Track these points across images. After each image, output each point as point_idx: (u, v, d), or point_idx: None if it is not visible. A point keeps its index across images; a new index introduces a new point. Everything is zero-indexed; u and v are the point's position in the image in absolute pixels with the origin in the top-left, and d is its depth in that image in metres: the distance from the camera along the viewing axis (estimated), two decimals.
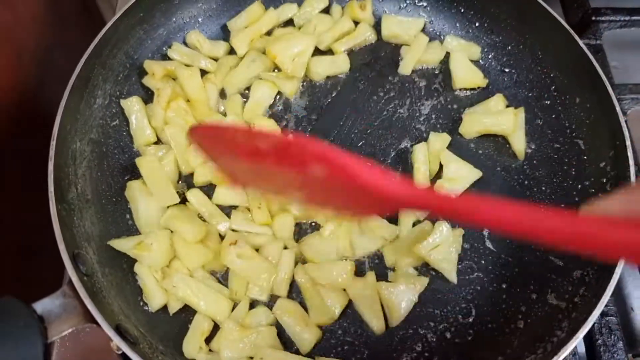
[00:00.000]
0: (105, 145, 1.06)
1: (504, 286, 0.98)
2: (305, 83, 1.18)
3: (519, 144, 1.09)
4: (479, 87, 1.17)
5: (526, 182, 1.08)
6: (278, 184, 0.69)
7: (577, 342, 0.80)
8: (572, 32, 1.05)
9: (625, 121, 0.97)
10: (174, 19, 1.18)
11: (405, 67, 1.18)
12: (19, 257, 1.23)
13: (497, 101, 1.12)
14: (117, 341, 0.80)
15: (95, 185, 1.01)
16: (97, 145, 1.04)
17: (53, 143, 0.91)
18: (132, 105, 1.06)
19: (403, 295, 0.94)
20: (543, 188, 1.06)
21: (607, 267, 0.86)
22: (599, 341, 0.98)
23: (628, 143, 0.93)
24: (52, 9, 1.34)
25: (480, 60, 1.20)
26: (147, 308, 0.94)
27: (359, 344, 0.94)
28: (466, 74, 1.16)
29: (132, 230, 1.02)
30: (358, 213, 0.71)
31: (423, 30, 1.23)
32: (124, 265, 0.96)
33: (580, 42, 1.04)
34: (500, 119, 1.09)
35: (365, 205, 0.62)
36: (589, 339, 0.98)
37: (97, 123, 1.05)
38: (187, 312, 0.95)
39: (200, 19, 1.20)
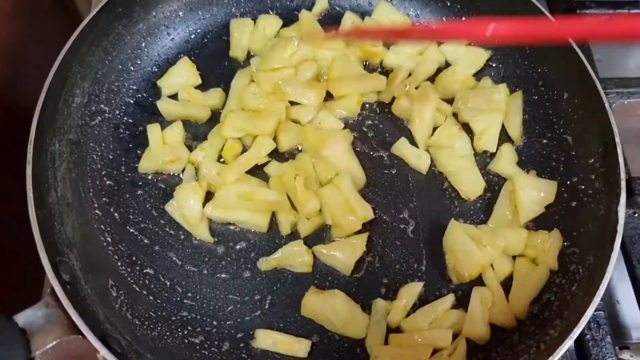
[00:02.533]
0: (85, 145, 1.02)
1: None
2: None
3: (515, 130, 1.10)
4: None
5: None
6: None
7: (571, 342, 0.80)
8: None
9: None
10: (154, 13, 1.14)
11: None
12: None
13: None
14: (103, 352, 0.77)
15: (76, 188, 0.98)
16: (76, 146, 1.00)
17: (30, 147, 0.88)
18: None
19: None
20: None
21: (598, 264, 0.87)
22: (588, 336, 0.99)
23: (617, 140, 0.93)
24: (25, 3, 1.29)
25: None
26: (130, 317, 0.91)
27: None
28: None
29: (114, 232, 0.99)
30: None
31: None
32: (107, 272, 0.94)
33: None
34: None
35: None
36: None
37: (76, 123, 1.01)
38: (175, 318, 0.92)
39: (181, 13, 1.17)
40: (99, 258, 0.95)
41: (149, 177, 1.05)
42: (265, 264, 0.98)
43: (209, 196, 1.00)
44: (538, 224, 1.01)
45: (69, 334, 0.78)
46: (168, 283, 0.96)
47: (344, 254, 0.97)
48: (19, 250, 1.25)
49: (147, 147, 1.05)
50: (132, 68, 1.12)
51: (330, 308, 0.92)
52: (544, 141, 1.07)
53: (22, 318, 0.77)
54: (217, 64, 1.17)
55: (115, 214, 1.00)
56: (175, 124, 1.07)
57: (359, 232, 0.99)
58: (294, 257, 0.97)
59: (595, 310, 0.98)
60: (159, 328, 0.91)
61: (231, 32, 1.17)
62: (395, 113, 1.12)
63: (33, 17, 1.35)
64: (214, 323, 0.93)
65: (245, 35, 1.16)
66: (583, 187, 0.99)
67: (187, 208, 0.98)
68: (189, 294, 0.95)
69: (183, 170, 1.05)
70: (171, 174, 1.05)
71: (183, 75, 1.11)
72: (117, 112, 1.09)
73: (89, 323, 0.77)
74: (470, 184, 1.05)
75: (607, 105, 0.96)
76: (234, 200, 0.97)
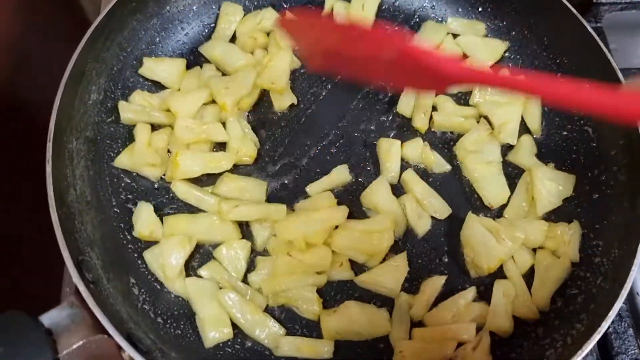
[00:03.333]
0: (102, 143, 1.01)
1: None
2: None
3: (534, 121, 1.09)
4: None
5: None
6: (353, 66, 0.83)
7: (599, 336, 0.79)
8: (579, 16, 1.03)
9: None
10: (168, 8, 1.13)
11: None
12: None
13: None
14: (129, 352, 0.77)
15: (94, 186, 0.97)
16: (93, 143, 0.99)
17: (49, 144, 0.87)
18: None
19: None
20: None
21: (625, 256, 0.86)
22: (610, 329, 0.99)
23: None
24: None
25: None
26: (153, 315, 0.91)
27: None
28: None
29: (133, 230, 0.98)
30: (420, 88, 0.87)
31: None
32: (128, 270, 0.93)
33: (588, 27, 1.02)
34: None
35: (426, 82, 0.76)
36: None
37: (93, 120, 1.00)
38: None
39: (194, 8, 1.16)
40: (119, 256, 0.94)
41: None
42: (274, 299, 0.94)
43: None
44: (559, 216, 1.00)
45: (94, 333, 0.77)
46: None
47: (389, 280, 0.94)
48: (31, 252, 1.25)
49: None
50: None
51: (348, 322, 0.91)
52: (564, 133, 1.07)
53: (48, 318, 0.76)
54: None
55: (134, 211, 1.00)
56: (164, 130, 1.04)
57: (393, 249, 0.97)
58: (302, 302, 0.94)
59: None
60: (182, 326, 0.91)
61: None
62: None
63: (36, 12, 1.35)
64: None
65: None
66: (604, 178, 0.98)
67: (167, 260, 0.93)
68: None
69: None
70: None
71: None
72: None
73: (113, 322, 0.77)
74: (495, 193, 1.03)
75: None
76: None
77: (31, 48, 1.30)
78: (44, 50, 1.34)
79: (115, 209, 0.99)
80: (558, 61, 1.10)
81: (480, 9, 1.18)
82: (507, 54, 1.16)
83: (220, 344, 0.90)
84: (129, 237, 0.97)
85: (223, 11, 1.15)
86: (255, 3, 1.20)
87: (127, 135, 1.04)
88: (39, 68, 1.33)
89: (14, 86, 1.24)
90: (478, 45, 1.15)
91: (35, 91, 1.29)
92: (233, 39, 1.15)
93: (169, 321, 0.91)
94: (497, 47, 1.15)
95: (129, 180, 1.02)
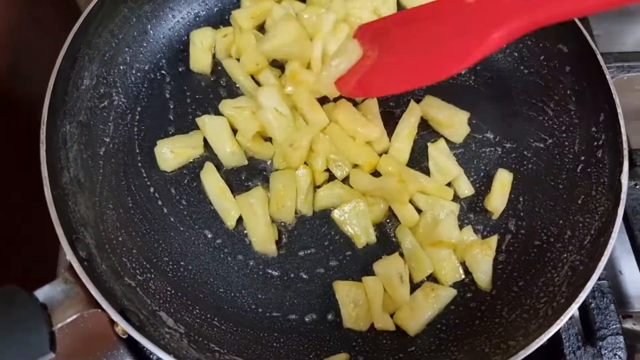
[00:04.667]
0: (95, 127, 1.03)
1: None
2: None
3: None
4: None
5: None
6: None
7: (577, 306, 0.82)
8: None
9: None
10: None
11: None
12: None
13: None
14: (123, 325, 0.79)
15: (87, 169, 0.99)
16: (86, 127, 1.01)
17: (43, 127, 0.89)
18: None
19: None
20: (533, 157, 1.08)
21: (603, 230, 0.89)
22: (592, 304, 1.01)
23: (619, 110, 0.95)
24: None
25: None
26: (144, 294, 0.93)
27: None
28: None
29: (125, 213, 1.00)
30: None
31: None
32: (121, 250, 0.95)
33: None
34: None
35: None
36: (582, 302, 1.01)
37: (85, 105, 1.02)
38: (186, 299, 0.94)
39: None
40: (112, 237, 0.96)
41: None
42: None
43: None
44: (542, 190, 1.04)
45: (88, 308, 0.80)
46: (182, 263, 0.98)
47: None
48: (27, 233, 1.27)
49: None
50: (139, 50, 1.13)
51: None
52: (549, 112, 1.09)
53: (42, 293, 0.78)
54: None
55: (125, 197, 1.02)
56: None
57: None
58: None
59: (599, 280, 1.01)
60: (175, 305, 0.93)
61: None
62: None
63: (31, 4, 1.36)
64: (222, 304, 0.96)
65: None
66: (584, 157, 1.01)
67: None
68: (200, 273, 0.98)
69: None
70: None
71: None
72: (125, 94, 1.09)
73: (107, 297, 0.79)
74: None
75: (608, 77, 0.98)
76: None
77: (27, 40, 1.31)
78: (40, 42, 1.35)
79: (107, 193, 1.01)
80: (541, 45, 1.12)
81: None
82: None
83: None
84: (120, 220, 0.99)
85: None
86: None
87: (120, 121, 1.06)
88: (34, 59, 1.34)
89: (10, 78, 1.25)
90: None
91: (30, 83, 1.30)
92: None
93: (161, 301, 0.93)
94: None
95: (120, 164, 1.04)
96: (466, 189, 1.04)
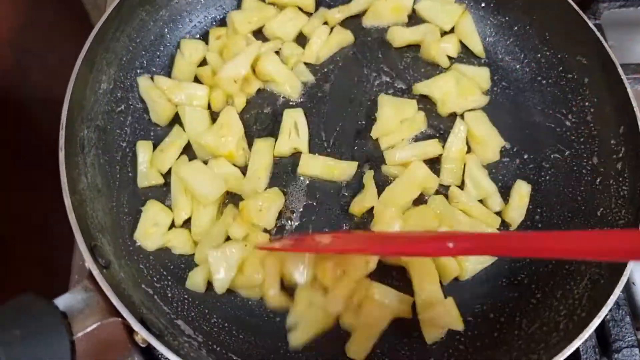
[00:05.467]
0: (112, 132, 1.02)
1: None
2: None
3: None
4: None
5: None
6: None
7: (599, 320, 0.82)
8: (581, 13, 1.05)
9: None
10: (176, 0, 1.14)
11: None
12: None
13: None
14: (143, 334, 0.78)
15: (104, 174, 0.98)
16: (103, 132, 1.00)
17: (62, 132, 0.88)
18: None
19: None
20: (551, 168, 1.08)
21: None
22: (608, 316, 1.01)
23: None
24: None
25: (487, 38, 1.20)
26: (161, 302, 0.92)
27: None
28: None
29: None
30: None
31: None
32: (141, 255, 0.95)
33: (590, 23, 1.04)
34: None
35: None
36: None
37: (103, 109, 1.01)
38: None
39: (202, 0, 1.17)
40: (129, 243, 0.95)
41: None
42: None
43: None
44: (560, 202, 1.03)
45: (109, 317, 0.79)
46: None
47: None
48: (35, 239, 1.26)
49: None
50: (156, 54, 1.12)
51: None
52: (567, 123, 1.09)
53: (62, 302, 0.77)
54: None
55: (142, 201, 1.01)
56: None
57: None
58: None
59: None
60: (192, 313, 0.93)
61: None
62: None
63: (36, 7, 1.35)
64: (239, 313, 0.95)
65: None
66: (603, 169, 1.01)
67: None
68: None
69: None
70: None
71: None
72: (142, 98, 1.08)
73: (127, 306, 0.78)
74: None
75: (629, 89, 0.98)
76: None
77: (29, 44, 1.31)
78: (42, 47, 1.35)
79: (125, 199, 1.00)
80: (559, 56, 1.12)
81: (483, 4, 1.20)
82: (510, 48, 1.18)
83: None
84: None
85: None
86: None
87: (137, 125, 1.06)
88: (38, 61, 1.33)
89: (11, 81, 1.24)
90: (437, 10, 1.19)
91: (32, 87, 1.30)
92: None
93: (179, 308, 0.92)
94: (454, 11, 1.18)
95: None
96: (498, 205, 1.04)
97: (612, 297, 0.83)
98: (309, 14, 1.19)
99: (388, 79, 1.15)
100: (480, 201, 1.03)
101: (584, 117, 1.06)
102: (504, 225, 1.03)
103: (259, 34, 1.17)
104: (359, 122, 1.10)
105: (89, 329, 0.77)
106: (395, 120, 1.07)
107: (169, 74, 1.12)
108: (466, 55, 1.18)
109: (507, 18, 1.18)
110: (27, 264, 1.19)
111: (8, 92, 1.23)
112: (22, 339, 0.72)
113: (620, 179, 0.96)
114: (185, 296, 0.94)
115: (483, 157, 1.07)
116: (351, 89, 1.14)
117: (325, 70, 1.16)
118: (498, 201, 1.03)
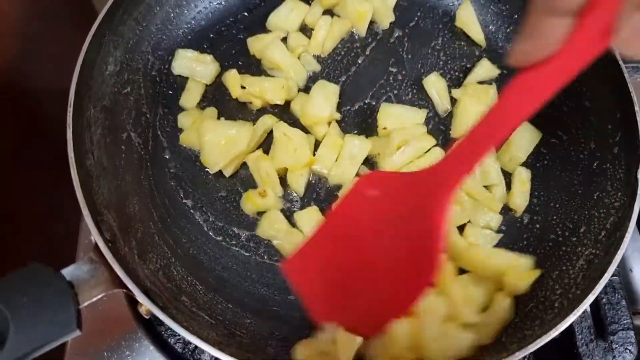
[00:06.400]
0: (118, 113, 1.04)
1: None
2: None
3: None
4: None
5: None
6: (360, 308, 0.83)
7: (593, 297, 0.83)
8: None
9: None
10: None
11: None
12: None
13: None
14: (147, 304, 0.80)
15: (110, 154, 1.00)
16: (109, 112, 1.02)
17: (70, 109, 0.90)
18: None
19: None
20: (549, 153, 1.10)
21: (619, 225, 0.90)
22: (604, 300, 1.03)
23: (637, 108, 0.96)
24: None
25: (488, 27, 1.22)
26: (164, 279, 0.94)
27: None
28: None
29: (152, 196, 1.02)
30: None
31: None
32: (145, 231, 0.97)
33: None
34: None
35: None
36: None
37: (109, 90, 1.03)
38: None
39: None
40: (133, 222, 0.97)
41: (181, 149, 1.08)
42: None
43: None
44: (558, 186, 1.05)
45: (114, 288, 0.81)
46: (194, 251, 1.00)
47: None
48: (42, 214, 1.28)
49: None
50: (162, 38, 1.14)
51: None
52: (564, 109, 1.10)
53: (68, 273, 0.79)
54: None
55: (145, 183, 1.04)
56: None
57: None
58: None
59: (612, 276, 1.01)
60: (197, 294, 0.95)
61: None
62: None
63: None
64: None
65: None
66: (600, 153, 1.02)
67: None
68: (220, 264, 1.00)
69: None
70: None
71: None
72: (148, 81, 1.11)
73: (132, 278, 0.80)
74: None
75: (626, 75, 0.99)
76: None
77: (33, 34, 1.32)
78: (46, 37, 1.36)
79: (128, 178, 1.02)
80: None
81: None
82: (510, 36, 1.19)
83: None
84: (138, 206, 1.00)
85: None
86: None
87: (143, 108, 1.08)
88: (43, 51, 1.35)
89: (15, 72, 1.26)
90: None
91: (36, 78, 1.31)
92: None
93: (182, 286, 0.94)
94: None
95: (141, 152, 1.06)
96: (501, 195, 1.06)
97: (606, 274, 0.85)
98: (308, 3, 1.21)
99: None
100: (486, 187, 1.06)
101: (582, 103, 1.07)
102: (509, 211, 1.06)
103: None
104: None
105: (94, 299, 0.79)
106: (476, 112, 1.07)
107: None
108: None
109: (507, 6, 1.20)
110: (34, 242, 1.21)
111: (9, 83, 1.24)
112: (29, 305, 0.74)
113: (617, 162, 0.98)
114: (189, 276, 0.97)
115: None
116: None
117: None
118: (503, 192, 1.06)
